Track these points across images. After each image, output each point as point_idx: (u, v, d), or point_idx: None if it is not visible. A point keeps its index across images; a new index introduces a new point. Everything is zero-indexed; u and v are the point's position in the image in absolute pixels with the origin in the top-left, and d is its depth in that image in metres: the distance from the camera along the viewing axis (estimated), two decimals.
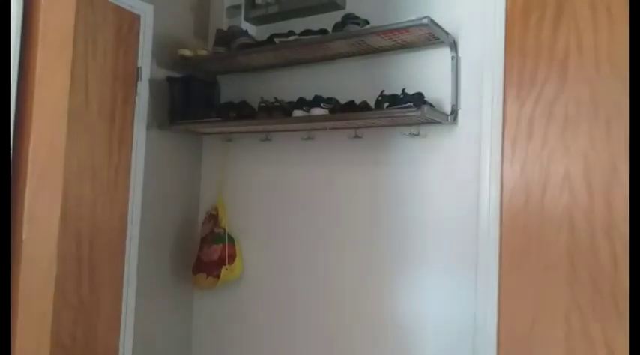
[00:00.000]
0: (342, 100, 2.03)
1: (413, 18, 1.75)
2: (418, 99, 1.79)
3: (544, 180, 1.73)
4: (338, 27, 1.98)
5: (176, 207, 2.46)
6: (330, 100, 2.00)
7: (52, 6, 0.81)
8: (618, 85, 1.63)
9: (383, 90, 1.92)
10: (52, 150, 0.81)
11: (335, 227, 2.15)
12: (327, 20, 2.12)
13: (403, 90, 1.86)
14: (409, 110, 1.74)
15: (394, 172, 2.01)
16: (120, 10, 2.18)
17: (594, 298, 1.62)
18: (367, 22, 1.98)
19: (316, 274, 2.18)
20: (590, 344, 1.62)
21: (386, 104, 1.84)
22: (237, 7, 2.42)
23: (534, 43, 1.78)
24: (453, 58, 1.88)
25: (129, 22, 2.22)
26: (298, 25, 2.22)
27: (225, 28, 2.33)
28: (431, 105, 1.82)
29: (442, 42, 1.87)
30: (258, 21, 2.39)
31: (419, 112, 1.71)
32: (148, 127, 2.30)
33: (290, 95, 2.20)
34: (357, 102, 1.98)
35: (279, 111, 2.09)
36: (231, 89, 2.49)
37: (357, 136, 2.09)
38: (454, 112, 1.87)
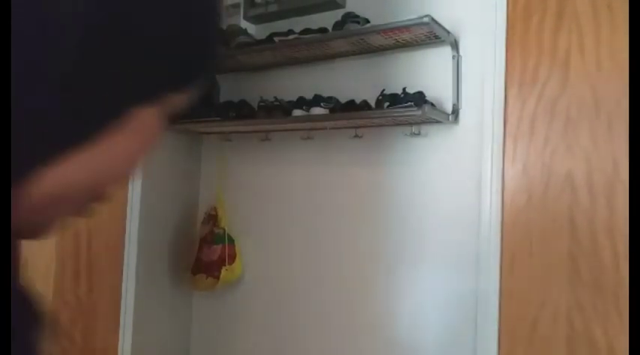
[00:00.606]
0: (342, 100, 2.02)
1: (413, 16, 1.74)
2: (419, 99, 1.78)
3: (546, 180, 1.72)
4: (338, 26, 1.97)
5: (175, 207, 2.45)
6: (330, 100, 1.99)
7: None
8: (620, 84, 1.62)
9: (383, 90, 1.91)
10: None
11: (335, 227, 2.14)
12: (327, 19, 2.11)
13: (404, 89, 1.85)
14: (410, 109, 1.73)
15: (395, 172, 2.00)
16: None
17: (596, 298, 1.61)
18: (367, 21, 1.97)
19: (316, 274, 2.17)
20: (592, 345, 1.61)
21: (386, 103, 1.83)
22: (236, 6, 2.41)
23: (536, 41, 1.77)
24: (454, 57, 1.87)
25: None
26: (298, 23, 2.21)
27: (224, 27, 2.32)
28: (432, 104, 1.81)
29: (443, 41, 1.86)
30: (257, 19, 2.38)
31: (420, 112, 1.70)
32: None
33: (290, 94, 2.19)
34: (358, 101, 1.97)
35: (278, 110, 2.08)
36: (230, 88, 2.48)
37: (357, 136, 2.08)
38: (455, 112, 1.86)
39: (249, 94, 2.35)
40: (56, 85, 0.29)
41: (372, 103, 1.92)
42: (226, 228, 2.33)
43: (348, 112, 1.94)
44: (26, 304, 0.35)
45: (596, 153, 1.65)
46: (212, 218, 2.38)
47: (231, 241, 2.33)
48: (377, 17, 2.01)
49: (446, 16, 1.89)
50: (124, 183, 0.42)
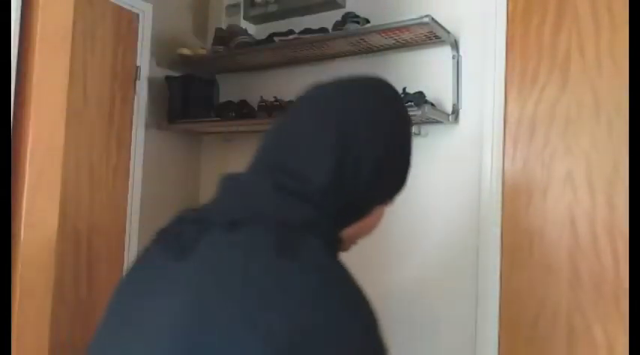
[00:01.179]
0: None
1: (414, 16, 1.74)
2: (419, 99, 1.78)
3: (546, 180, 1.72)
4: (338, 25, 1.97)
5: (175, 208, 2.45)
6: None
7: (50, 4, 0.80)
8: (620, 85, 1.62)
9: None
10: (51, 150, 0.80)
11: None
12: (327, 19, 2.11)
13: (404, 89, 1.85)
14: (410, 109, 1.73)
15: None
16: (118, 9, 2.16)
17: (596, 298, 1.61)
18: (367, 21, 1.97)
19: None
20: (592, 345, 1.61)
21: None
22: (236, 6, 2.40)
23: (536, 42, 1.77)
24: (454, 57, 1.87)
25: (127, 20, 2.21)
26: (298, 23, 2.21)
27: (224, 27, 2.32)
28: (432, 104, 1.81)
29: (443, 41, 1.86)
30: (257, 20, 2.38)
31: (420, 112, 1.70)
32: (147, 127, 2.29)
33: (290, 94, 2.19)
34: None
35: (278, 110, 2.08)
36: (230, 88, 2.48)
37: None
38: (455, 112, 1.86)
39: (249, 94, 2.35)
40: (357, 192, 0.64)
41: None
42: None
43: None
44: None
45: (597, 154, 1.65)
46: None
47: None
48: (377, 17, 2.01)
49: (446, 16, 1.89)
50: (369, 234, 0.76)
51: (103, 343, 0.58)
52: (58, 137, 0.86)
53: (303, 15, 2.26)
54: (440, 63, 1.92)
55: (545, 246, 1.71)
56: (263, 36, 2.21)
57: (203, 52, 2.30)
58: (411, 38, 1.88)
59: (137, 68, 2.24)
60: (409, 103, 1.76)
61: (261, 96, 2.19)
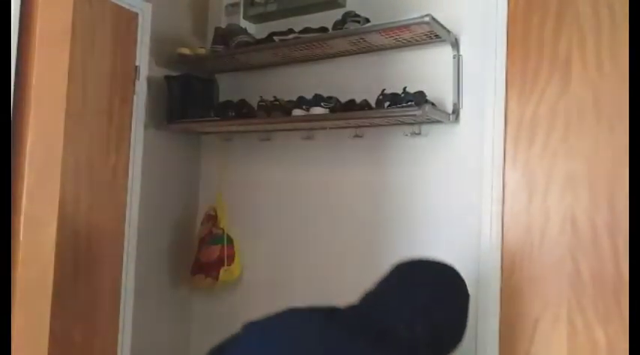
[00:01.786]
0: (343, 99, 2.01)
1: (414, 16, 1.74)
2: (419, 98, 1.78)
3: (546, 180, 1.72)
4: (338, 25, 1.96)
5: (174, 208, 2.45)
6: (330, 99, 1.99)
7: (49, 3, 0.79)
8: (621, 85, 1.62)
9: (384, 89, 1.91)
10: (50, 150, 0.80)
11: (335, 227, 2.13)
12: (327, 18, 2.11)
13: (404, 88, 1.85)
14: (410, 109, 1.73)
15: (395, 172, 2.00)
16: (117, 8, 2.16)
17: (597, 298, 1.61)
18: (368, 20, 1.97)
19: (315, 274, 2.16)
20: (592, 345, 1.61)
21: (387, 103, 1.82)
22: (236, 5, 2.40)
23: (536, 42, 1.77)
24: (454, 56, 1.86)
25: (127, 20, 2.20)
26: (298, 22, 2.21)
27: (223, 26, 2.31)
28: (432, 104, 1.81)
29: (444, 40, 1.86)
30: (257, 19, 2.37)
31: (420, 111, 1.70)
32: (146, 127, 2.28)
33: (290, 94, 2.18)
34: (358, 101, 1.97)
35: (278, 110, 2.07)
36: (230, 88, 2.47)
37: (357, 136, 2.08)
38: (456, 111, 1.85)
39: (248, 94, 2.34)
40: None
41: (373, 103, 1.91)
42: (225, 229, 2.33)
43: (349, 112, 1.93)
44: None
45: (598, 155, 1.65)
46: (211, 218, 2.37)
47: (230, 242, 2.32)
48: (377, 16, 2.00)
49: (446, 16, 1.88)
50: None
51: None
52: (57, 137, 0.86)
53: (302, 14, 2.25)
54: (440, 62, 1.91)
55: (545, 246, 1.71)
56: (263, 35, 2.20)
57: (202, 51, 2.30)
58: (411, 37, 1.88)
59: (136, 68, 2.24)
60: (409, 103, 1.76)
61: (261, 96, 2.19)
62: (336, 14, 2.04)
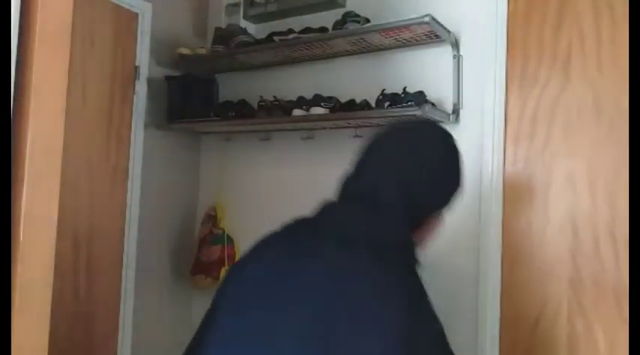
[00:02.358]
0: (343, 99, 2.02)
1: (414, 16, 1.74)
2: (419, 98, 1.78)
3: (546, 180, 1.72)
4: (338, 25, 1.96)
5: (174, 208, 2.45)
6: (330, 99, 1.99)
7: (49, 3, 0.79)
8: (621, 84, 1.62)
9: (384, 89, 1.91)
10: (50, 150, 0.80)
11: None
12: (327, 18, 2.11)
13: (404, 88, 1.85)
14: (410, 109, 1.73)
15: None
16: (118, 9, 2.16)
17: (597, 299, 1.61)
18: (368, 20, 1.97)
19: None
20: (592, 345, 1.61)
21: (387, 103, 1.82)
22: (236, 5, 2.40)
23: (536, 41, 1.76)
24: (454, 56, 1.86)
25: (127, 20, 2.20)
26: (298, 23, 2.21)
27: (223, 26, 2.31)
28: (432, 104, 1.81)
29: (444, 40, 1.86)
30: (257, 19, 2.37)
31: (420, 111, 1.70)
32: (146, 127, 2.28)
33: (290, 94, 2.18)
34: (358, 101, 1.97)
35: (278, 110, 2.07)
36: (230, 88, 2.47)
37: (357, 135, 2.08)
38: (456, 111, 1.85)
39: (248, 94, 2.34)
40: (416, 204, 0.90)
41: (373, 103, 1.91)
42: (225, 229, 2.33)
43: (349, 112, 1.93)
44: None
45: (597, 154, 1.65)
46: (211, 218, 2.37)
47: (231, 242, 2.32)
48: (377, 16, 2.00)
49: (446, 16, 1.88)
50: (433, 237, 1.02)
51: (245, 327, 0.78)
52: (57, 137, 0.86)
53: (303, 14, 2.26)
54: (440, 62, 1.91)
55: (545, 246, 1.71)
56: (263, 35, 2.20)
57: (203, 51, 2.30)
58: (411, 37, 1.88)
59: (136, 68, 2.24)
60: (409, 103, 1.76)
61: (261, 96, 2.19)
62: (336, 14, 2.04)
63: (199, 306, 2.50)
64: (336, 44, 1.99)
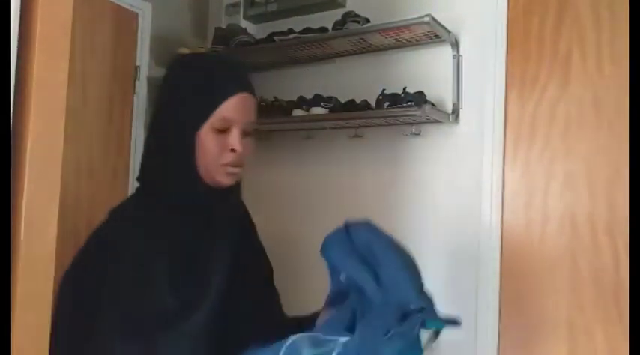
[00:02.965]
0: (343, 99, 2.02)
1: (414, 16, 1.74)
2: (419, 99, 1.78)
3: (546, 181, 1.72)
4: (338, 25, 1.96)
5: None
6: (330, 99, 1.99)
7: (49, 3, 0.79)
8: (621, 85, 1.62)
9: (384, 89, 1.91)
10: (50, 151, 0.80)
11: (334, 226, 2.13)
12: (327, 18, 2.11)
13: (404, 89, 1.85)
14: (410, 109, 1.73)
15: (395, 172, 2.00)
16: (118, 8, 2.16)
17: (596, 299, 1.61)
18: (368, 21, 1.97)
19: (315, 274, 2.16)
20: (592, 345, 1.61)
21: (386, 103, 1.82)
22: (236, 5, 2.40)
23: (536, 42, 1.76)
24: (454, 56, 1.86)
25: (127, 20, 2.20)
26: (298, 23, 2.21)
27: (223, 26, 2.31)
28: (432, 104, 1.81)
29: (444, 40, 1.86)
30: (257, 19, 2.37)
31: (420, 111, 1.70)
32: (146, 127, 2.28)
33: (289, 94, 2.18)
34: (358, 101, 1.97)
35: (278, 110, 2.07)
36: None
37: (357, 136, 2.08)
38: (455, 112, 1.85)
39: None
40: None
41: (373, 103, 1.91)
42: None
43: (348, 112, 1.93)
44: None
45: (597, 155, 1.65)
46: None
47: None
48: (377, 17, 2.00)
49: (446, 16, 1.88)
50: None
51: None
52: (57, 137, 0.86)
53: (303, 14, 2.25)
54: (440, 63, 1.91)
55: (545, 246, 1.71)
56: (263, 35, 2.20)
57: (202, 51, 2.30)
58: (411, 38, 1.88)
59: (137, 68, 2.24)
60: (409, 103, 1.76)
61: (261, 96, 2.19)
62: (336, 14, 2.04)
63: None
64: (336, 44, 1.99)
